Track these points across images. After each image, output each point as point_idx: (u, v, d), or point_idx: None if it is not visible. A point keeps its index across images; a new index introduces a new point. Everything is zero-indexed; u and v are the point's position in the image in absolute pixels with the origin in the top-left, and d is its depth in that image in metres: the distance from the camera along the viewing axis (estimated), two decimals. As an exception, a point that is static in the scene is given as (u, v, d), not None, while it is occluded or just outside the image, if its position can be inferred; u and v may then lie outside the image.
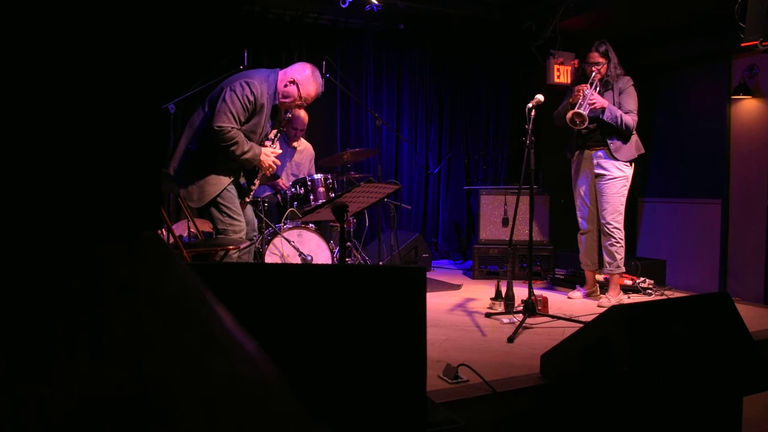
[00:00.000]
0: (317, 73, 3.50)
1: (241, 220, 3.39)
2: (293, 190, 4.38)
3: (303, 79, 3.42)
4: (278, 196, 4.61)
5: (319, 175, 4.35)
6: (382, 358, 1.30)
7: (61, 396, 0.39)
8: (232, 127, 3.22)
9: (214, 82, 4.30)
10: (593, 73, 3.97)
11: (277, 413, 0.49)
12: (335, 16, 5.82)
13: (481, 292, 4.44)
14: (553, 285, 4.85)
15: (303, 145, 5.07)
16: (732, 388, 2.06)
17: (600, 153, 4.04)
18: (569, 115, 3.85)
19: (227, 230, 3.33)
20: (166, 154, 3.57)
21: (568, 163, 4.31)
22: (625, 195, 4.04)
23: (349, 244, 4.64)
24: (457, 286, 4.75)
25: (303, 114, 4.81)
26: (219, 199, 3.31)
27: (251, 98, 3.26)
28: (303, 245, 4.18)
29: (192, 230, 3.96)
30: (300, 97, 3.42)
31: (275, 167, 3.51)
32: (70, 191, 0.48)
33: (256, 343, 0.55)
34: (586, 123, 3.84)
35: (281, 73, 3.44)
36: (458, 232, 6.60)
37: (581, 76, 4.11)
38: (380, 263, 4.63)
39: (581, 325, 2.31)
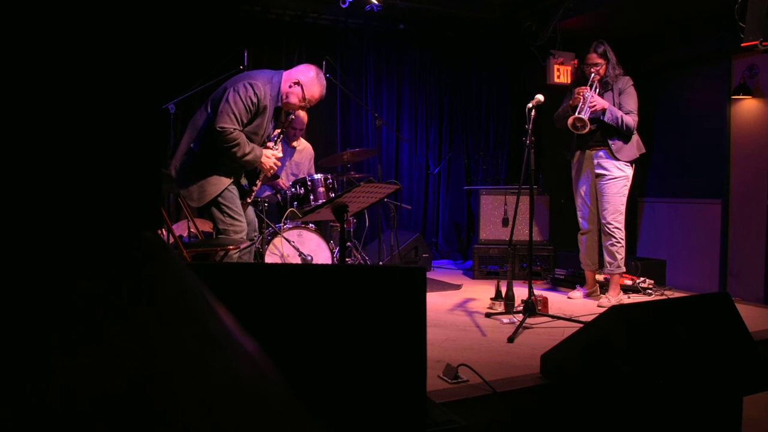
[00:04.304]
0: (321, 74, 3.48)
1: (242, 221, 3.38)
2: (293, 190, 4.37)
3: (307, 80, 3.40)
4: (278, 196, 4.60)
5: (319, 175, 4.34)
6: (382, 358, 1.30)
7: (59, 396, 0.39)
8: (234, 129, 3.21)
9: (214, 82, 4.30)
10: (592, 75, 3.96)
11: (277, 413, 0.49)
12: (335, 16, 5.83)
13: (481, 292, 4.44)
14: (554, 285, 4.85)
15: (302, 145, 5.07)
16: (732, 388, 2.06)
17: (601, 153, 4.04)
18: (570, 120, 3.85)
19: (228, 230, 3.33)
20: (166, 154, 3.57)
21: (568, 163, 4.31)
22: (626, 195, 4.04)
23: (349, 244, 4.64)
24: (457, 286, 4.75)
25: (302, 114, 4.81)
26: (220, 199, 3.30)
27: (254, 99, 3.25)
28: (303, 245, 4.18)
29: (192, 230, 3.96)
30: (304, 98, 3.41)
31: (276, 169, 3.50)
32: (69, 191, 0.48)
33: (256, 343, 0.55)
34: (588, 127, 3.84)
35: (285, 74, 3.43)
36: (458, 232, 6.60)
37: (580, 78, 4.10)
38: (380, 263, 4.63)
39: (581, 325, 2.31)
